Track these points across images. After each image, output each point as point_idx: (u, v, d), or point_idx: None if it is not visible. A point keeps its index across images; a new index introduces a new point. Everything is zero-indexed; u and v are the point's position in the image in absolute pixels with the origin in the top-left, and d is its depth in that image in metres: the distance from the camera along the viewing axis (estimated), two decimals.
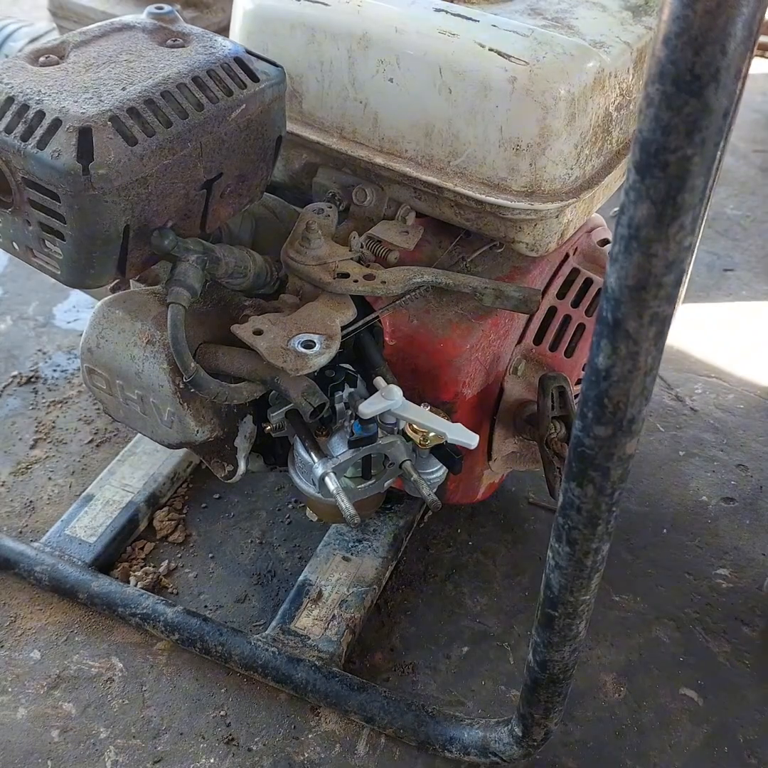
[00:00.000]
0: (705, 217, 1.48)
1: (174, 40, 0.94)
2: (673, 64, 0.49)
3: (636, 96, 1.08)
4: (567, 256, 1.22)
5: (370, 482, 1.04)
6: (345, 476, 1.03)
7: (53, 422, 1.59)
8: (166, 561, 1.35)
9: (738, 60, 0.48)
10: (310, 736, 1.15)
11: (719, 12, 0.46)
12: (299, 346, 0.92)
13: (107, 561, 1.33)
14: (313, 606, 1.25)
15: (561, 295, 1.20)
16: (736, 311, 1.98)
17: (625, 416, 0.65)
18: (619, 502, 0.73)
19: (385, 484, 1.06)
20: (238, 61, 0.93)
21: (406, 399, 1.01)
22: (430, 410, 1.03)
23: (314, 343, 0.93)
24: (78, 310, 1.87)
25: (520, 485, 1.51)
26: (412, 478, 1.01)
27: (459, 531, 1.43)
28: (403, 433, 1.02)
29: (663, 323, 0.60)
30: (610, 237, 1.30)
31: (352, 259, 1.03)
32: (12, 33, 1.49)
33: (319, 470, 0.98)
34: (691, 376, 1.78)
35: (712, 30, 0.47)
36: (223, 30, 1.23)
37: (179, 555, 1.37)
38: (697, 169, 0.52)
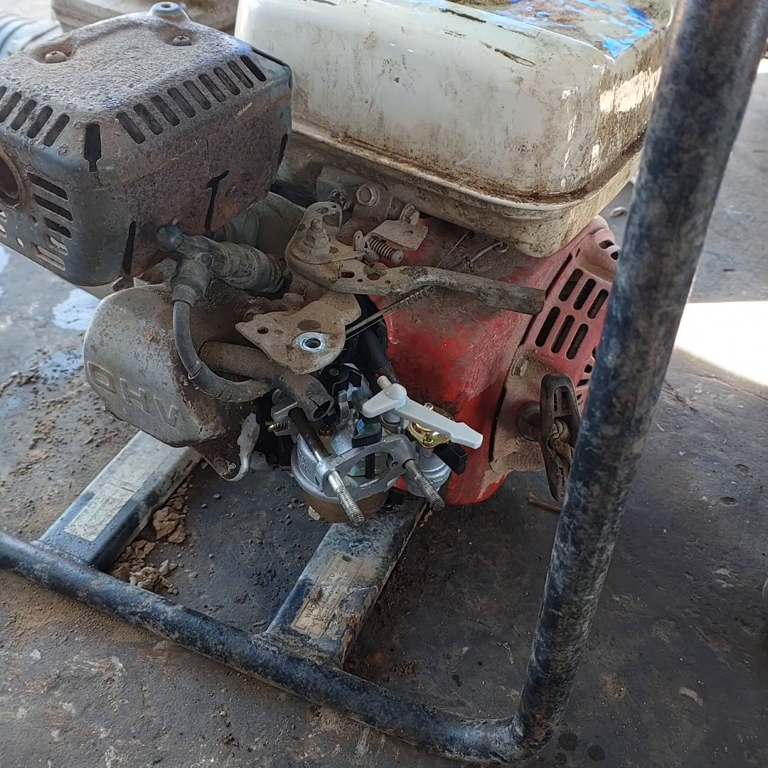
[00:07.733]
0: None
1: (180, 38, 0.94)
2: (687, 64, 0.49)
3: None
4: (570, 257, 1.22)
5: (373, 481, 1.04)
6: (348, 475, 1.03)
7: (53, 422, 1.58)
8: (166, 561, 1.35)
9: (752, 60, 0.48)
10: (310, 736, 1.15)
11: (734, 12, 0.47)
12: (304, 344, 0.92)
13: (107, 559, 1.32)
14: (314, 606, 1.25)
15: (564, 296, 1.21)
16: (736, 311, 1.99)
17: (633, 416, 0.66)
18: (625, 501, 0.74)
19: (388, 484, 1.06)
20: (244, 59, 0.93)
21: (410, 398, 1.01)
22: (434, 410, 1.03)
23: (319, 341, 0.93)
24: (78, 310, 1.87)
25: (520, 485, 1.51)
26: (415, 478, 1.01)
27: (459, 531, 1.43)
28: (407, 433, 1.02)
29: (672, 322, 0.60)
30: (612, 239, 1.31)
31: (356, 258, 1.03)
32: (14, 30, 1.48)
33: (322, 469, 0.98)
34: (691, 376, 1.78)
35: (727, 30, 0.47)
36: (227, 29, 1.23)
37: (179, 555, 1.37)
38: (710, 168, 0.52)
